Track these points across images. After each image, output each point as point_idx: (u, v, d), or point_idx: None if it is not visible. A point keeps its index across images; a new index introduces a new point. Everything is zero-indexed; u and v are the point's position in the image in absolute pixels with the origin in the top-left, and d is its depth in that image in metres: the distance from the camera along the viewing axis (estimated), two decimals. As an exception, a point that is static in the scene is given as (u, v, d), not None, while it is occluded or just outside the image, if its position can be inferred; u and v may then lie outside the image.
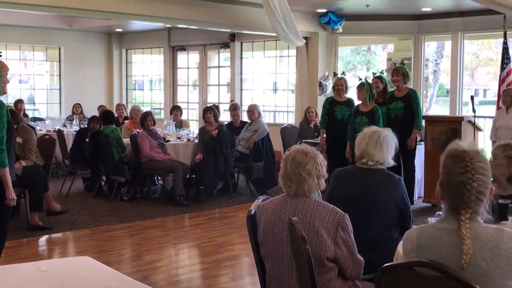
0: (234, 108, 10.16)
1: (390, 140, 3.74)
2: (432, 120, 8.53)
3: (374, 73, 8.73)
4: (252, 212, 3.26)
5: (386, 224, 3.65)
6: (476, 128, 8.22)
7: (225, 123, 9.84)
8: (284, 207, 3.10)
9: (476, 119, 8.15)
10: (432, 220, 2.40)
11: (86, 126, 9.78)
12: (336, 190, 3.76)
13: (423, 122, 8.73)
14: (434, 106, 19.60)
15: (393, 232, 3.68)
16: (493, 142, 7.98)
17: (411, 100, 7.85)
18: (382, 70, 9.00)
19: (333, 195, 3.73)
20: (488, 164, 2.25)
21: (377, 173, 3.72)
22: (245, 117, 10.51)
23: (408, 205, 3.74)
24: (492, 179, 2.20)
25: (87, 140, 9.20)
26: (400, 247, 2.41)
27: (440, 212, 2.36)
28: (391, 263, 2.29)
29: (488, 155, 2.56)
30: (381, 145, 3.69)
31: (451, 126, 8.04)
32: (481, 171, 2.21)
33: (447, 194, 2.25)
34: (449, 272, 2.06)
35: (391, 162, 3.75)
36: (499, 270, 2.11)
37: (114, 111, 11.04)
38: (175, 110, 10.54)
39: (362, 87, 7.91)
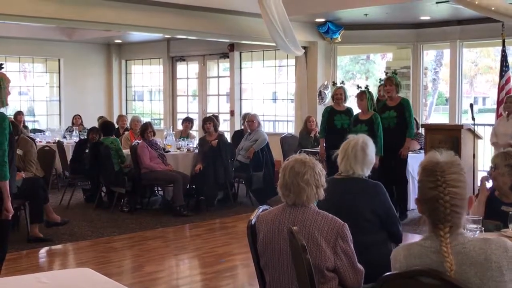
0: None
1: (363, 148, 3.74)
2: (432, 129, 8.55)
3: (380, 80, 8.76)
4: (252, 222, 3.25)
5: (369, 230, 3.65)
6: (476, 136, 8.22)
7: (235, 129, 9.86)
8: (283, 218, 3.09)
9: (476, 127, 8.15)
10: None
11: (85, 137, 9.78)
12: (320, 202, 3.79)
13: (423, 131, 8.76)
14: (433, 114, 19.64)
15: (378, 236, 3.69)
16: (494, 143, 7.97)
17: (403, 109, 7.90)
18: (381, 79, 9.02)
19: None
20: (463, 174, 2.19)
21: (352, 182, 3.74)
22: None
23: (390, 209, 3.74)
24: (495, 187, 2.16)
25: (86, 151, 9.19)
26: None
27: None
28: (391, 272, 2.28)
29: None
30: (355, 157, 3.70)
31: (451, 135, 8.05)
32: (453, 183, 2.16)
33: (424, 209, 2.22)
34: (449, 280, 2.06)
35: (366, 173, 3.77)
36: (492, 283, 2.07)
37: (114, 122, 11.04)
38: (186, 122, 10.53)
39: (363, 95, 7.94)
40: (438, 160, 2.20)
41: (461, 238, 2.16)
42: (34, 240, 6.86)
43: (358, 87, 8.18)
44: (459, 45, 10.69)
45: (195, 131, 13.56)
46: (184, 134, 10.15)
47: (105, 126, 9.30)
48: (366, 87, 8.14)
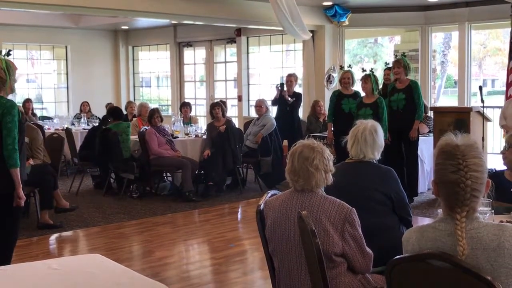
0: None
1: (372, 133, 3.74)
2: (441, 111, 8.50)
3: (386, 63, 8.72)
4: (261, 207, 3.25)
5: (381, 213, 3.67)
6: (485, 118, 8.17)
7: (243, 115, 9.80)
8: (290, 203, 3.09)
9: (485, 109, 8.10)
10: (441, 212, 2.36)
11: (98, 125, 9.78)
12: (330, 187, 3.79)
13: (431, 113, 8.71)
14: (442, 97, 19.53)
15: (390, 220, 3.71)
16: (503, 126, 7.92)
17: (412, 91, 7.86)
18: (388, 63, 8.97)
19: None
20: (483, 159, 2.16)
21: (364, 166, 3.76)
22: (252, 112, 10.50)
23: (401, 194, 3.77)
24: (507, 167, 2.13)
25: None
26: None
27: (439, 210, 2.31)
28: (401, 256, 2.27)
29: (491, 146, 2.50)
30: (365, 141, 3.71)
31: (460, 117, 8.01)
32: (475, 167, 2.13)
33: (442, 192, 2.19)
34: (460, 264, 2.05)
35: (377, 156, 3.79)
36: (503, 269, 2.06)
37: (123, 108, 11.04)
38: (185, 106, 10.49)
39: (368, 78, 7.92)
40: (457, 143, 2.16)
41: (476, 223, 2.14)
42: (44, 227, 6.90)
43: (363, 70, 8.15)
44: (468, 27, 10.60)
45: (203, 117, 13.59)
46: (186, 120, 10.10)
47: (114, 111, 9.29)
48: (371, 70, 8.10)
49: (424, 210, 7.68)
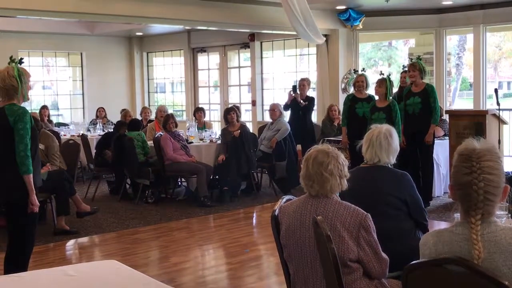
0: None
1: (387, 137, 3.73)
2: (456, 114, 8.44)
3: (404, 66, 8.69)
4: (276, 212, 3.24)
5: (397, 218, 3.65)
6: (501, 121, 8.11)
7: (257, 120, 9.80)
8: (305, 209, 3.07)
9: (501, 112, 8.04)
10: (457, 217, 2.35)
11: (112, 130, 9.83)
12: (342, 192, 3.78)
13: (447, 117, 8.66)
14: (457, 100, 19.39)
15: (406, 225, 3.70)
16: None
17: (428, 95, 7.81)
18: (404, 65, 8.94)
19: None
20: (499, 163, 2.16)
21: (379, 170, 3.74)
22: (266, 117, 10.50)
23: (416, 198, 3.74)
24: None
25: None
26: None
27: (457, 215, 2.31)
28: (417, 261, 2.26)
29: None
30: (380, 145, 3.70)
31: (476, 120, 7.95)
32: (488, 170, 2.13)
33: (457, 195, 2.20)
34: (477, 268, 2.04)
35: (392, 160, 3.77)
36: None
37: (138, 114, 11.08)
38: (199, 111, 10.53)
39: (383, 82, 7.90)
40: (475, 147, 2.17)
41: (493, 227, 2.14)
42: (61, 233, 6.94)
43: (381, 73, 8.12)
44: (483, 29, 10.54)
45: (217, 122, 13.61)
46: (200, 125, 10.13)
47: (132, 122, 9.36)
48: (389, 75, 8.07)
49: (440, 214, 7.63)
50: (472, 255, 2.09)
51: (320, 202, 3.05)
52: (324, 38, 10.98)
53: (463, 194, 2.16)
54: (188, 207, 8.44)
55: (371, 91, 8.60)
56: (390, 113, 7.75)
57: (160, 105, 11.63)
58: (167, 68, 15.58)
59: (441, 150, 8.50)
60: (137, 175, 8.74)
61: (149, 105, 14.68)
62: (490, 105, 10.44)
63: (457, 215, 2.26)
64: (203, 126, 10.17)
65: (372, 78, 8.98)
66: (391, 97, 7.95)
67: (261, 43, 12.93)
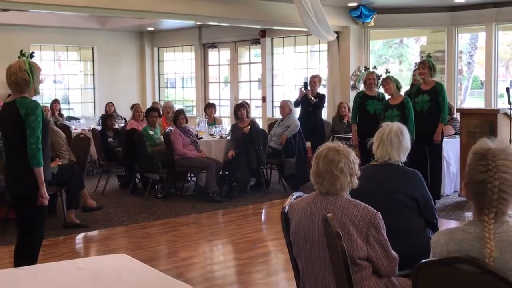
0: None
1: (398, 135, 3.72)
2: (467, 113, 8.41)
3: (416, 63, 8.67)
4: (286, 209, 3.24)
5: (407, 216, 3.65)
6: (512, 120, 8.07)
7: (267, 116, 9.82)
8: (314, 206, 3.07)
9: (512, 111, 8.00)
10: (468, 215, 2.35)
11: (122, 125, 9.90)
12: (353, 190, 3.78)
13: (458, 115, 8.63)
14: (468, 99, 19.30)
15: (416, 223, 3.69)
16: None
17: (437, 93, 7.76)
18: (416, 63, 8.91)
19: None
20: None
21: (390, 168, 3.74)
22: (276, 113, 10.50)
23: (427, 197, 3.74)
24: None
25: (110, 139, 9.36)
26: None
27: (468, 214, 2.30)
28: (427, 259, 2.26)
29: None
30: (391, 143, 3.70)
31: (487, 119, 7.92)
32: (504, 168, 2.13)
33: (471, 193, 2.20)
34: (488, 268, 2.03)
35: (403, 159, 3.77)
36: None
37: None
38: (209, 107, 10.54)
39: (388, 79, 7.90)
40: (490, 146, 2.18)
41: (506, 226, 2.14)
42: (71, 226, 6.98)
43: (387, 71, 8.13)
44: (495, 28, 10.47)
45: (227, 117, 13.62)
46: (210, 120, 10.14)
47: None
48: (387, 71, 8.09)
49: (450, 212, 7.61)
50: (483, 254, 2.08)
51: (330, 200, 3.04)
52: (335, 35, 10.95)
53: (477, 192, 2.16)
54: (197, 202, 8.46)
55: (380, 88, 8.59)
56: (403, 110, 7.73)
57: (166, 102, 11.64)
58: (178, 63, 15.60)
59: (451, 149, 8.46)
60: (147, 170, 8.76)
61: (159, 100, 14.71)
62: (501, 104, 10.38)
63: (469, 214, 2.26)
64: (213, 121, 10.18)
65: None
66: (401, 90, 7.93)
67: (272, 39, 12.91)
